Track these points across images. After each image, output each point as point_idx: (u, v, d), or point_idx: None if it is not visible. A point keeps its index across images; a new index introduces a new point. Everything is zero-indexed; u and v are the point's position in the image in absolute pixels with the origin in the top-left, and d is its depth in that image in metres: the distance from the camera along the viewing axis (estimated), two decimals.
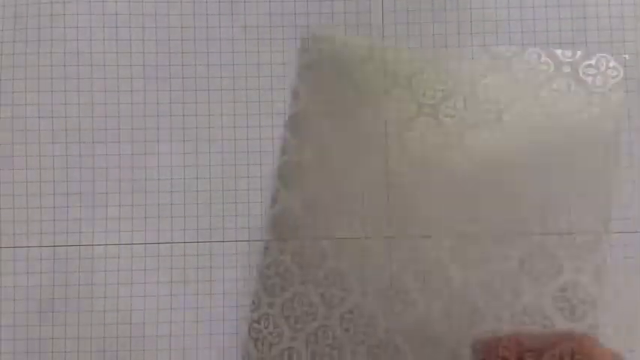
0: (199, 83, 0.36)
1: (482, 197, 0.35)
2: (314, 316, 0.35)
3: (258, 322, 0.35)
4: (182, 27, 0.37)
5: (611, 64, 0.36)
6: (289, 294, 0.35)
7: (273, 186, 0.36)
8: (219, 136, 0.36)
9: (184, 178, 0.36)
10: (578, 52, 0.36)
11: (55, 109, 0.36)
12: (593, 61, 0.36)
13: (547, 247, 0.35)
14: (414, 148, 0.36)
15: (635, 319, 0.35)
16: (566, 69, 0.36)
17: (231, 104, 0.36)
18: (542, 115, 0.36)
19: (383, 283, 0.35)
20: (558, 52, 0.36)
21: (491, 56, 0.36)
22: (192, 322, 0.35)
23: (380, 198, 0.35)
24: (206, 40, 0.37)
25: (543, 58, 0.36)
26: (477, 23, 0.37)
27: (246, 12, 0.37)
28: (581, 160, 0.35)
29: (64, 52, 0.36)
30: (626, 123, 0.36)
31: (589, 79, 0.36)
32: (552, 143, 0.36)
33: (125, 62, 0.36)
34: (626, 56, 0.36)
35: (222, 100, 0.36)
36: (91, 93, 0.36)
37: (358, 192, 0.35)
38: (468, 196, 0.35)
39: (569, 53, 0.36)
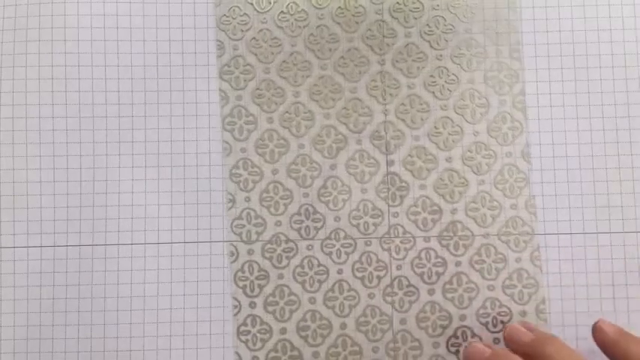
0: (200, 84, 0.36)
1: None
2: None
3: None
4: (183, 28, 0.37)
5: None
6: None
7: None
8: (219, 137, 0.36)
9: (184, 179, 0.36)
10: None
11: (55, 109, 0.36)
12: None
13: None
14: None
15: None
16: None
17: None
18: None
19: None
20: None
21: None
22: (192, 322, 0.35)
23: None
24: (207, 40, 0.37)
25: None
26: None
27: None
28: None
29: (64, 53, 0.36)
30: (627, 123, 0.36)
31: None
32: None
33: (126, 63, 0.36)
34: None
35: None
36: (92, 93, 0.36)
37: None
38: None
39: None
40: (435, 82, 0.36)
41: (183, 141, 0.36)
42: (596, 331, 0.32)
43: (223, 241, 0.35)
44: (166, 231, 0.35)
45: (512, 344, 0.32)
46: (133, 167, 0.36)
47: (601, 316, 0.34)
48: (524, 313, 0.35)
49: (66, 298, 0.35)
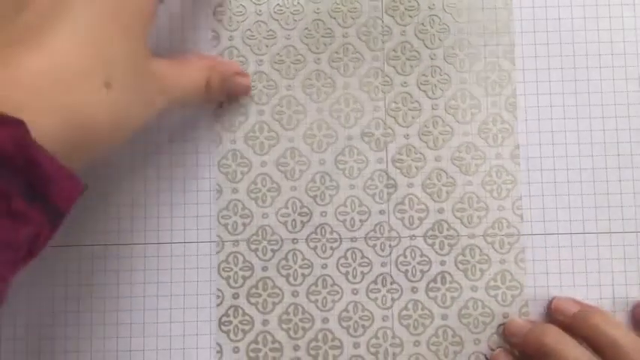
0: None
1: None
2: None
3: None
4: (183, 28, 0.37)
5: None
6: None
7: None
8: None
9: (185, 179, 0.36)
10: None
11: None
12: None
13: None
14: None
15: None
16: None
17: None
18: None
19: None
20: None
21: None
22: (192, 322, 0.35)
23: None
24: (207, 40, 0.37)
25: None
26: None
27: None
28: None
29: None
30: (627, 123, 0.36)
31: None
32: None
33: None
34: None
35: None
36: None
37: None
38: None
39: None
40: (427, 80, 0.36)
41: (184, 141, 0.36)
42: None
43: (223, 241, 0.35)
44: (166, 231, 0.35)
45: (559, 315, 0.34)
46: (132, 167, 0.36)
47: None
48: (506, 315, 0.35)
49: (66, 298, 0.35)
